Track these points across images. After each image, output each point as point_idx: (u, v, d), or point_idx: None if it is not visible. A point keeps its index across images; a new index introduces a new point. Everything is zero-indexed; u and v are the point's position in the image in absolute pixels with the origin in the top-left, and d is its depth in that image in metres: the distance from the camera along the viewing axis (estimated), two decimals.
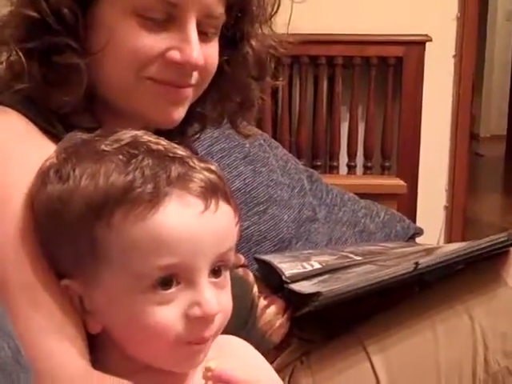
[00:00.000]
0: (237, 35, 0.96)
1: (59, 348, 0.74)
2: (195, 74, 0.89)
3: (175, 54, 0.86)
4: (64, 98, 0.85)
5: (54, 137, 0.85)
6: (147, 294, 0.71)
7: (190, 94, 0.91)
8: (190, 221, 0.72)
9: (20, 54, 0.84)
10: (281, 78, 1.12)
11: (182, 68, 0.87)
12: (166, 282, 0.71)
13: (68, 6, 0.84)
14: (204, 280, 0.73)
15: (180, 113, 0.91)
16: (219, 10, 0.89)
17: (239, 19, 0.94)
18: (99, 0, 0.85)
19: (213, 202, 0.73)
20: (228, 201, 0.76)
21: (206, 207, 0.72)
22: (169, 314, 0.71)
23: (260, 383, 0.77)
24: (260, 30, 0.97)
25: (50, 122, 0.86)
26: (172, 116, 0.90)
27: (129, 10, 0.85)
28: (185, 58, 0.86)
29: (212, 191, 0.73)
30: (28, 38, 0.85)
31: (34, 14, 0.84)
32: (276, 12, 0.98)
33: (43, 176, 0.76)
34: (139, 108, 0.88)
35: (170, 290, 0.71)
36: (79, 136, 0.79)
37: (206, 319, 0.72)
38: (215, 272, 0.74)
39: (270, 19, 0.98)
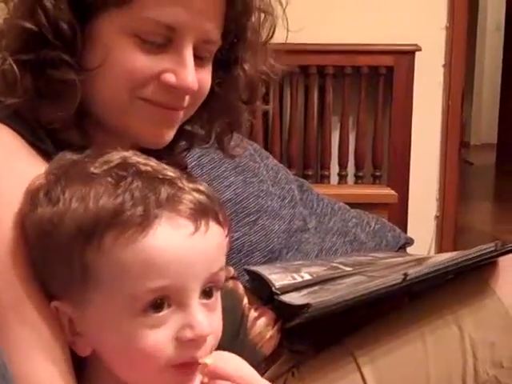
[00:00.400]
0: (230, 59, 0.97)
1: (44, 371, 0.74)
2: (187, 97, 0.90)
3: (170, 77, 0.87)
4: (55, 113, 0.85)
5: (43, 152, 0.85)
6: (138, 317, 0.71)
7: (180, 116, 0.92)
8: (181, 243, 0.72)
9: (13, 65, 0.84)
10: (270, 103, 1.13)
11: (175, 91, 0.88)
12: (157, 304, 0.71)
13: (67, 20, 0.84)
14: (195, 302, 0.73)
15: (170, 134, 0.92)
16: (216, 35, 0.90)
17: (234, 44, 0.95)
18: (99, 17, 0.85)
19: (202, 223, 0.73)
20: (218, 221, 0.76)
21: (196, 229, 0.73)
22: (160, 337, 0.71)
23: (255, 378, 0.77)
24: (254, 56, 0.98)
25: (39, 137, 0.86)
26: (162, 137, 0.90)
27: (128, 31, 0.85)
28: (180, 82, 0.87)
29: (201, 212, 0.73)
30: (24, 50, 0.85)
31: (32, 27, 0.84)
32: (271, 38, 0.99)
33: (33, 197, 0.76)
34: (130, 127, 0.88)
35: (161, 313, 0.71)
36: (69, 157, 0.79)
37: (197, 341, 0.72)
38: (206, 293, 0.75)
39: (265, 45, 0.99)
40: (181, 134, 0.97)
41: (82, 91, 0.86)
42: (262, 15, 0.96)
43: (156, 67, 0.87)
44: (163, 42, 0.86)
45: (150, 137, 0.90)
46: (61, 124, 0.86)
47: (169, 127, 0.91)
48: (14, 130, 0.85)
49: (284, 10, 0.99)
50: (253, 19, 0.95)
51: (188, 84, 0.87)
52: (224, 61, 0.95)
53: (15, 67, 0.84)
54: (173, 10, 0.85)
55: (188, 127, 0.99)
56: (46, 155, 0.85)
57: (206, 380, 0.73)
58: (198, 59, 0.89)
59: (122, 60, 0.85)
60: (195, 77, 0.88)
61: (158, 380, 0.73)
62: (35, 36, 0.84)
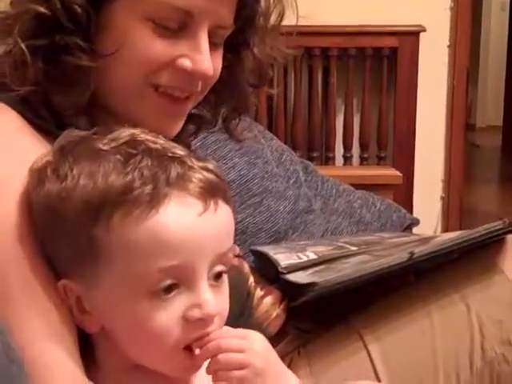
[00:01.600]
0: (240, 43, 0.96)
1: (51, 353, 0.74)
2: (200, 82, 0.89)
3: (186, 63, 0.86)
4: (68, 100, 0.85)
5: (48, 134, 0.84)
6: (146, 297, 0.71)
7: (189, 107, 0.92)
8: (190, 222, 0.71)
9: (25, 50, 0.83)
10: (275, 87, 1.12)
11: (190, 76, 0.87)
12: (167, 285, 0.71)
13: (81, 4, 0.82)
14: (204, 281, 0.72)
15: (178, 126, 0.92)
16: (230, 20, 0.90)
17: (244, 28, 0.94)
18: (113, 2, 0.84)
19: (212, 202, 0.73)
20: (227, 200, 0.75)
21: (206, 208, 0.72)
22: (168, 317, 0.71)
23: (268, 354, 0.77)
24: (263, 40, 0.97)
25: (42, 117, 0.85)
26: (170, 129, 0.90)
27: (143, 16, 0.84)
28: (195, 67, 0.86)
29: (211, 192, 0.73)
30: (36, 35, 0.83)
31: (46, 11, 0.82)
32: (280, 22, 0.98)
33: (40, 174, 0.75)
34: (138, 117, 0.87)
35: (170, 294, 0.71)
36: (76, 134, 0.79)
37: (205, 320, 0.72)
38: (215, 275, 0.74)
39: (274, 29, 0.98)
40: (188, 117, 0.96)
41: (94, 78, 0.85)
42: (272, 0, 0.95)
43: (171, 52, 0.86)
44: (178, 27, 0.86)
45: (157, 128, 0.88)
46: (72, 111, 0.86)
47: (177, 119, 0.91)
48: (16, 110, 0.85)
49: None
50: (263, 4, 0.94)
51: (204, 69, 0.87)
52: (233, 44, 0.95)
53: (27, 52, 0.83)
54: None
55: (195, 111, 0.99)
56: (51, 136, 0.84)
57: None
58: (212, 44, 0.88)
59: (138, 45, 0.84)
60: (210, 62, 0.87)
61: (166, 361, 0.73)
62: (49, 21, 0.83)
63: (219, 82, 0.93)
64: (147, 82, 0.86)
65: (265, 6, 0.95)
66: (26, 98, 0.85)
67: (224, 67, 0.93)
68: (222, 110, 1.02)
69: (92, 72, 0.84)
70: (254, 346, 0.75)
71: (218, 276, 0.75)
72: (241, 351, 0.73)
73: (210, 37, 0.88)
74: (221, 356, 0.72)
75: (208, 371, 0.73)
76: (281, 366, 0.80)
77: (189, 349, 0.73)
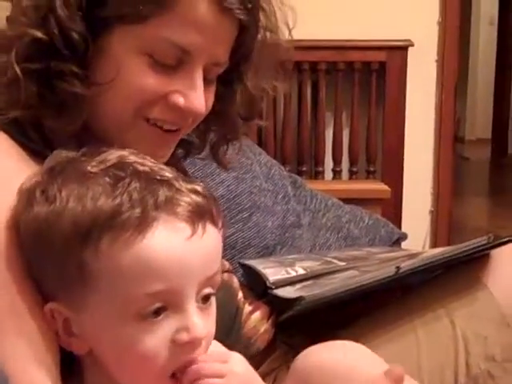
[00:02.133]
0: (233, 77, 0.96)
1: (34, 376, 0.73)
2: (191, 118, 0.90)
3: (179, 99, 0.87)
4: (60, 126, 0.85)
5: (36, 154, 0.84)
6: (135, 321, 0.71)
7: (178, 138, 0.93)
8: (178, 246, 0.71)
9: (20, 73, 0.82)
10: (264, 115, 1.13)
11: (182, 112, 0.88)
12: (154, 309, 0.71)
13: (79, 32, 0.82)
14: (192, 305, 0.72)
15: (168, 153, 0.92)
16: (226, 58, 0.90)
17: (239, 64, 0.95)
18: (112, 32, 0.84)
19: (200, 225, 0.73)
20: (214, 223, 0.75)
21: (194, 232, 0.72)
22: (156, 340, 0.71)
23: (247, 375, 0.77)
24: (256, 74, 0.98)
25: (33, 141, 0.85)
26: (161, 156, 0.90)
27: (141, 49, 0.84)
28: (188, 104, 0.87)
29: (199, 215, 0.73)
30: (32, 59, 0.83)
31: (43, 36, 0.82)
32: (277, 62, 1.00)
33: (29, 195, 0.75)
34: (129, 144, 0.86)
35: (157, 318, 0.71)
36: (65, 154, 0.78)
37: (193, 344, 0.72)
38: (203, 298, 0.74)
39: (269, 65, 0.99)
40: (178, 142, 0.97)
41: (87, 105, 0.85)
42: (268, 34, 0.96)
43: (165, 87, 0.86)
44: (175, 63, 0.86)
45: (149, 155, 0.89)
46: (63, 135, 0.86)
47: (166, 149, 0.92)
48: (4, 130, 0.84)
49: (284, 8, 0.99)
50: (259, 40, 0.95)
51: (196, 108, 0.88)
52: (226, 77, 0.95)
53: (21, 75, 0.82)
54: (189, 32, 0.85)
55: (184, 136, 0.99)
56: (37, 156, 0.84)
57: None
58: (206, 80, 0.89)
59: (132, 78, 0.85)
60: (203, 100, 0.88)
61: None
62: (45, 46, 0.83)
63: (210, 111, 0.94)
64: (138, 114, 0.87)
65: (260, 41, 0.95)
66: (16, 120, 0.85)
67: (216, 99, 0.94)
68: (211, 136, 1.03)
69: (85, 99, 0.84)
70: (234, 370, 0.74)
71: (206, 298, 0.75)
72: (220, 376, 0.73)
73: (204, 73, 0.88)
74: (200, 382, 0.72)
75: None
76: None
77: (175, 377, 0.73)
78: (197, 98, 0.87)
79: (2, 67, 0.84)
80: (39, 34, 0.82)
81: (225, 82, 0.96)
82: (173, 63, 0.86)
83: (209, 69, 0.89)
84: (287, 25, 0.98)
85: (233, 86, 0.97)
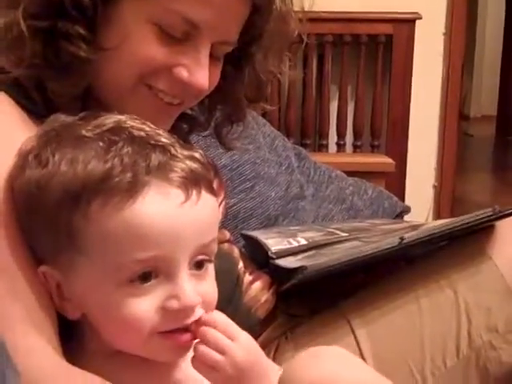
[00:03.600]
0: (242, 57, 0.96)
1: (37, 344, 0.73)
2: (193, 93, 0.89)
3: (183, 73, 0.86)
4: (63, 88, 0.84)
5: (39, 118, 0.84)
6: (124, 286, 0.70)
7: (179, 112, 0.92)
8: (169, 212, 0.70)
9: (25, 30, 0.81)
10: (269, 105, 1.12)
11: (184, 86, 0.87)
12: (144, 275, 0.70)
13: None
14: (183, 273, 0.72)
15: (169, 123, 0.91)
16: (235, 38, 0.89)
17: (249, 45, 0.94)
18: None
19: (194, 192, 0.72)
20: (211, 190, 0.74)
21: (187, 198, 0.71)
22: (145, 306, 0.71)
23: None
24: (265, 57, 0.97)
25: (36, 104, 0.85)
26: (160, 126, 0.88)
27: (150, 18, 0.84)
28: (192, 79, 0.86)
29: (194, 181, 0.72)
30: (39, 17, 0.82)
31: None
32: (286, 48, 0.99)
33: (23, 159, 0.75)
34: (130, 111, 0.85)
35: (147, 284, 0.71)
36: (62, 119, 0.78)
37: (184, 311, 0.72)
38: (196, 265, 0.74)
39: (279, 51, 0.98)
40: (181, 116, 0.96)
41: (91, 69, 0.84)
42: (281, 19, 0.94)
43: (170, 59, 0.86)
44: (182, 36, 0.85)
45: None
46: (66, 99, 0.85)
47: (165, 121, 0.91)
48: (7, 93, 0.84)
49: None
50: (271, 24, 0.93)
51: (200, 84, 0.87)
52: (235, 57, 0.94)
53: (26, 33, 0.82)
54: (202, 8, 0.84)
55: (188, 111, 0.99)
56: (40, 119, 0.83)
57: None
58: (212, 57, 0.88)
59: (138, 46, 0.84)
60: (207, 78, 0.87)
61: (145, 347, 0.73)
62: (54, 4, 0.82)
63: (216, 89, 0.93)
64: (141, 81, 0.86)
65: (273, 26, 0.93)
66: (18, 81, 0.84)
67: (222, 77, 0.93)
68: (216, 115, 1.02)
69: (89, 63, 0.83)
70: (236, 354, 0.72)
71: (200, 264, 0.74)
72: (221, 352, 0.72)
73: (211, 50, 0.87)
74: (201, 347, 0.72)
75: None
76: (261, 373, 0.76)
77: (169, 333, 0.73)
78: (201, 73, 0.86)
79: (7, 24, 0.83)
80: None
81: (233, 62, 0.95)
82: (180, 36, 0.85)
83: (216, 47, 0.88)
84: (302, 10, 0.97)
85: (241, 66, 0.96)
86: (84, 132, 0.74)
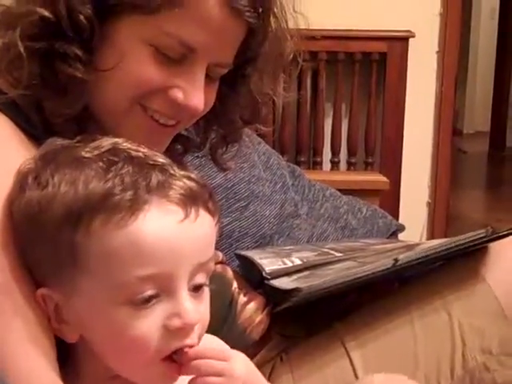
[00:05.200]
0: (237, 78, 0.96)
1: (32, 360, 0.73)
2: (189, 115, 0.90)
3: (179, 94, 0.87)
4: (60, 108, 0.84)
5: (36, 139, 0.84)
6: (126, 306, 0.70)
7: (174, 134, 0.93)
8: (170, 229, 0.71)
9: (23, 52, 0.82)
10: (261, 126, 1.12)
11: (179, 108, 0.88)
12: (146, 294, 0.70)
13: (87, 16, 0.82)
14: (184, 290, 0.72)
15: (164, 145, 0.92)
16: (230, 60, 0.90)
17: (244, 67, 0.95)
18: (120, 20, 0.84)
19: (193, 210, 0.72)
20: (208, 210, 0.75)
21: (186, 215, 0.72)
22: (148, 325, 0.70)
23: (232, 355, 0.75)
24: (261, 79, 0.97)
25: (32, 124, 0.85)
26: (155, 147, 0.88)
27: (146, 40, 0.84)
28: (187, 101, 0.87)
29: (192, 199, 0.73)
30: (37, 38, 0.83)
31: (50, 16, 0.82)
32: (281, 71, 0.99)
33: (21, 181, 0.75)
34: (126, 132, 0.87)
35: (149, 303, 0.71)
36: (59, 142, 0.78)
37: (185, 329, 0.72)
38: (195, 288, 0.74)
39: (275, 73, 0.99)
40: (176, 137, 0.97)
41: (88, 90, 0.85)
42: (277, 41, 0.95)
43: (166, 81, 0.86)
44: (178, 57, 0.86)
45: (144, 144, 0.88)
46: (62, 119, 0.85)
47: (160, 142, 0.91)
48: (6, 115, 0.84)
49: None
50: (267, 46, 0.94)
51: (195, 105, 0.87)
52: (230, 78, 0.95)
53: (24, 54, 0.82)
54: (198, 31, 0.84)
55: (184, 132, 1.00)
56: (37, 141, 0.84)
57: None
58: (207, 78, 0.89)
59: (134, 67, 0.85)
60: (203, 99, 0.88)
61: (146, 371, 0.73)
62: (51, 26, 0.83)
63: (211, 110, 0.93)
64: (137, 102, 0.87)
65: (268, 48, 0.94)
66: (16, 102, 0.84)
67: (218, 99, 0.94)
68: (211, 136, 1.02)
69: (86, 84, 0.84)
70: (234, 371, 0.73)
71: (198, 288, 0.74)
72: (220, 375, 0.72)
73: (207, 71, 0.88)
74: (199, 380, 0.72)
75: None
76: None
77: (169, 360, 0.72)
78: (196, 95, 0.87)
79: (5, 45, 0.84)
80: (46, 13, 0.82)
81: (229, 84, 0.95)
82: (176, 57, 0.86)
83: (212, 68, 0.89)
84: (297, 27, 0.97)
85: (236, 88, 0.97)
86: (83, 153, 0.74)
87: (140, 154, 0.75)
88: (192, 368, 0.72)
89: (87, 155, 0.74)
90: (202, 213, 0.74)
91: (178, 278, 0.71)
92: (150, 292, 0.70)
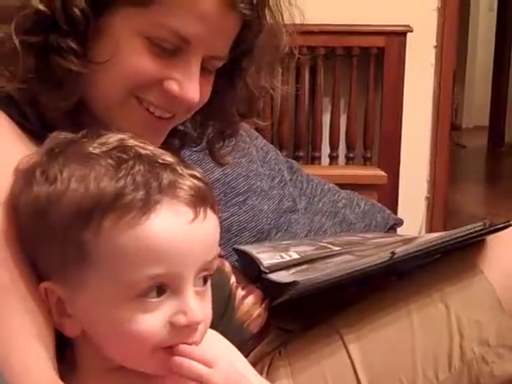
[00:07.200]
0: (234, 72, 0.96)
1: (31, 352, 0.73)
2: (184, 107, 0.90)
3: (174, 86, 0.87)
4: (55, 102, 0.84)
5: (32, 133, 0.84)
6: (133, 302, 0.71)
7: (170, 127, 0.93)
8: (180, 230, 0.71)
9: (18, 46, 0.82)
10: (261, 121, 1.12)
11: (175, 100, 0.88)
12: (154, 291, 0.71)
13: (82, 9, 0.82)
14: (190, 289, 0.72)
15: (160, 139, 0.92)
16: (226, 52, 0.90)
17: (240, 59, 0.95)
18: (114, 13, 0.84)
19: (201, 210, 0.73)
20: (214, 209, 0.75)
21: (196, 216, 0.72)
22: (154, 321, 0.71)
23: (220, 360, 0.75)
24: (257, 72, 0.97)
25: (27, 119, 0.85)
26: (151, 141, 0.88)
27: (141, 32, 0.84)
28: (182, 93, 0.87)
29: (200, 200, 0.73)
30: (32, 32, 0.83)
31: (46, 10, 0.82)
32: (278, 63, 1.00)
33: (28, 176, 0.75)
34: (121, 125, 0.86)
35: (156, 299, 0.71)
36: (64, 136, 0.78)
37: (190, 327, 0.72)
38: (200, 281, 0.74)
39: (271, 66, 0.99)
40: (173, 132, 0.97)
41: (83, 83, 0.85)
42: (273, 34, 0.95)
43: (161, 73, 0.86)
44: (173, 49, 0.86)
45: (140, 138, 0.89)
46: (57, 112, 0.85)
47: (156, 135, 0.91)
48: (2, 109, 0.84)
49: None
50: (262, 39, 0.94)
51: (190, 97, 0.87)
52: (227, 71, 0.95)
53: (19, 48, 0.82)
54: (193, 23, 0.84)
55: (181, 127, 1.00)
56: (33, 135, 0.84)
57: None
58: (203, 70, 0.89)
59: (129, 59, 0.85)
60: (198, 91, 0.88)
61: (148, 361, 0.73)
62: (46, 19, 0.83)
63: (208, 104, 0.94)
64: (132, 94, 0.87)
65: (264, 41, 0.94)
66: (11, 96, 0.84)
67: (214, 92, 0.94)
68: (208, 130, 1.02)
69: (81, 77, 0.84)
70: (212, 380, 0.72)
71: (204, 281, 0.75)
72: (197, 379, 0.72)
73: (202, 63, 0.88)
74: (175, 377, 0.72)
75: None
76: None
77: (169, 350, 0.73)
78: (192, 87, 0.87)
79: (0, 39, 0.84)
80: (41, 7, 0.83)
81: (225, 77, 0.95)
82: (171, 50, 0.86)
83: (207, 61, 0.89)
84: (294, 23, 0.97)
85: (233, 81, 0.97)
86: (91, 149, 0.74)
87: (148, 152, 0.75)
88: (174, 364, 0.72)
89: (95, 151, 0.74)
90: (209, 212, 0.74)
91: (186, 277, 0.72)
92: (157, 289, 0.71)
